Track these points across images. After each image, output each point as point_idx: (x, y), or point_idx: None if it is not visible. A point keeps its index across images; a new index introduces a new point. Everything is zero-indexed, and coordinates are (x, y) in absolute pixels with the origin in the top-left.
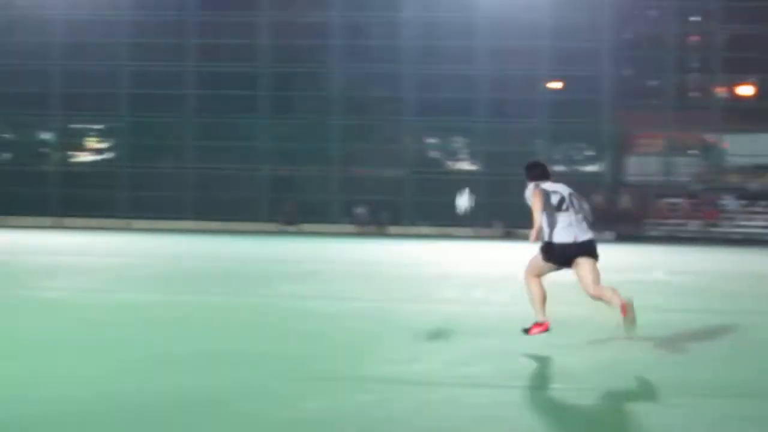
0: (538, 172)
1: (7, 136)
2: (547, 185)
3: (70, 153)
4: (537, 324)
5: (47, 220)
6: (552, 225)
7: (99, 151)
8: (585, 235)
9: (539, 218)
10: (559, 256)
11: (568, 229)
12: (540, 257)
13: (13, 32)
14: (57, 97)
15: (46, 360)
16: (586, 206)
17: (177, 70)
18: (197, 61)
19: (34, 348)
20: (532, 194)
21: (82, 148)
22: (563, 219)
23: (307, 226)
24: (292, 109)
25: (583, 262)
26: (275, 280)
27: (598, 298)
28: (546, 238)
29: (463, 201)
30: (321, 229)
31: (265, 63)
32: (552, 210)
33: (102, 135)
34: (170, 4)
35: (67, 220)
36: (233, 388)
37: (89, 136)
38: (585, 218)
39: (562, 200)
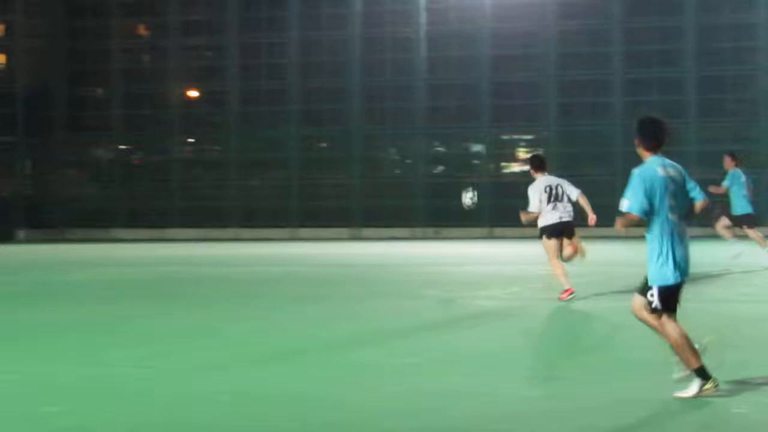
0: (537, 163)
1: (440, 149)
2: (542, 179)
3: (500, 164)
4: (564, 291)
5: (480, 232)
6: (542, 212)
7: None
8: (567, 217)
9: (536, 207)
10: (552, 232)
11: (553, 212)
12: (545, 240)
13: (444, 47)
14: (486, 108)
15: (487, 370)
16: (574, 194)
17: (603, 78)
18: (624, 68)
19: (475, 359)
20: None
21: (511, 159)
22: (549, 206)
23: None
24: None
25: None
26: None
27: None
28: (539, 224)
29: (467, 198)
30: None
31: (691, 66)
32: (545, 199)
33: (530, 145)
34: (596, 12)
35: (497, 230)
36: None
37: (518, 146)
38: (569, 203)
39: (551, 191)
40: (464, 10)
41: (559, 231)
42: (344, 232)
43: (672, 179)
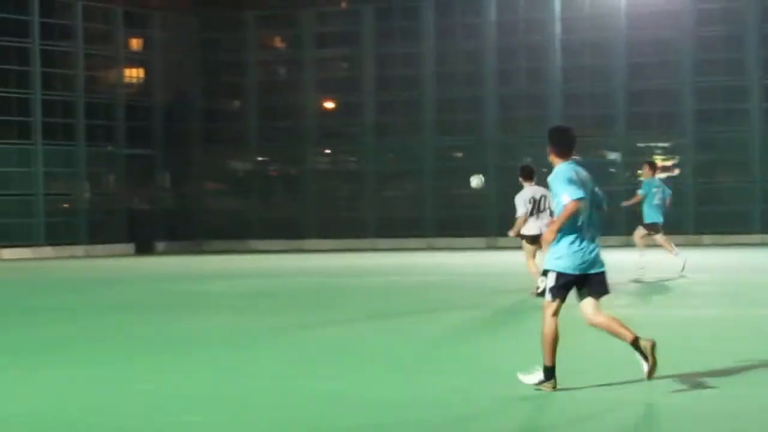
0: (526, 173)
1: (574, 157)
2: (530, 189)
3: (636, 171)
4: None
5: (617, 240)
6: (525, 221)
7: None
8: (546, 229)
9: (523, 213)
10: (530, 240)
11: (534, 223)
12: (524, 243)
13: (578, 56)
14: (621, 116)
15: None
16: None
17: (740, 84)
18: (762, 74)
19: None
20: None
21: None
22: (532, 217)
23: None
24: None
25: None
26: None
27: None
28: (522, 231)
29: (476, 181)
30: None
31: None
32: (529, 209)
33: (666, 152)
34: (731, 18)
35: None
36: None
37: (654, 154)
38: (550, 216)
39: (535, 202)
40: (599, 18)
41: (535, 240)
42: (480, 241)
43: (583, 182)
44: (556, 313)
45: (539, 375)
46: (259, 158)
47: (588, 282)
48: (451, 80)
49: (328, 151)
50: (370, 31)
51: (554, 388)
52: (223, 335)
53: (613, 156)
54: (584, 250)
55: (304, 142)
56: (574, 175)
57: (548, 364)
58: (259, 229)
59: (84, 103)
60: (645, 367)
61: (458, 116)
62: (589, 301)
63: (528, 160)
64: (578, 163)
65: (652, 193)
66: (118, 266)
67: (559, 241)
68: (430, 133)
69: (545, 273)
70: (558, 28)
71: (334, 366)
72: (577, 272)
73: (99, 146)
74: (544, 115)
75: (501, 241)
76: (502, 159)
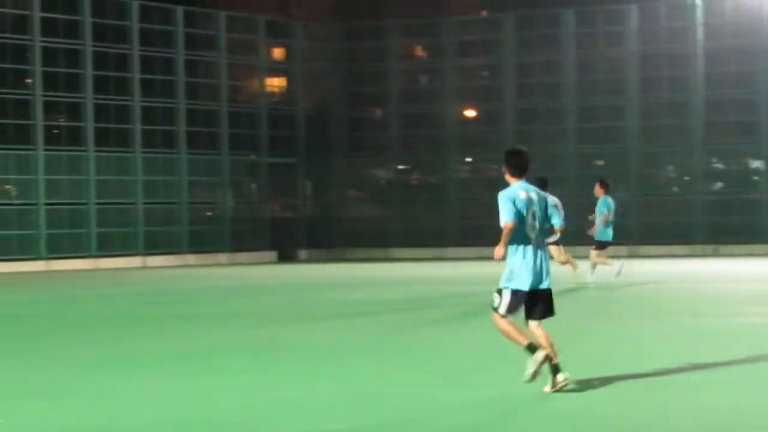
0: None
1: (718, 165)
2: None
3: None
4: None
5: (763, 248)
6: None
7: None
8: None
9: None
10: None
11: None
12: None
13: (721, 62)
14: (766, 123)
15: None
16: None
17: None
18: None
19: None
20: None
21: None
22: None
23: None
24: None
25: None
26: None
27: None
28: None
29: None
30: None
31: None
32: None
33: None
34: None
35: None
36: None
37: None
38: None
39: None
40: (742, 24)
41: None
42: (622, 249)
43: (532, 201)
44: (507, 321)
45: (532, 364)
46: (401, 167)
47: (534, 297)
48: (593, 88)
49: (468, 159)
50: (511, 39)
51: (547, 357)
52: (365, 343)
53: (756, 164)
54: (533, 266)
55: (445, 150)
56: (515, 196)
57: (525, 343)
58: (400, 237)
59: (227, 112)
60: (561, 377)
61: (600, 124)
62: (533, 321)
63: (670, 169)
64: (529, 182)
65: (600, 211)
66: (262, 274)
67: (509, 259)
68: (571, 141)
69: (499, 291)
70: (700, 34)
71: (479, 375)
72: (527, 288)
73: (242, 155)
74: (687, 124)
75: (643, 249)
76: (643, 167)
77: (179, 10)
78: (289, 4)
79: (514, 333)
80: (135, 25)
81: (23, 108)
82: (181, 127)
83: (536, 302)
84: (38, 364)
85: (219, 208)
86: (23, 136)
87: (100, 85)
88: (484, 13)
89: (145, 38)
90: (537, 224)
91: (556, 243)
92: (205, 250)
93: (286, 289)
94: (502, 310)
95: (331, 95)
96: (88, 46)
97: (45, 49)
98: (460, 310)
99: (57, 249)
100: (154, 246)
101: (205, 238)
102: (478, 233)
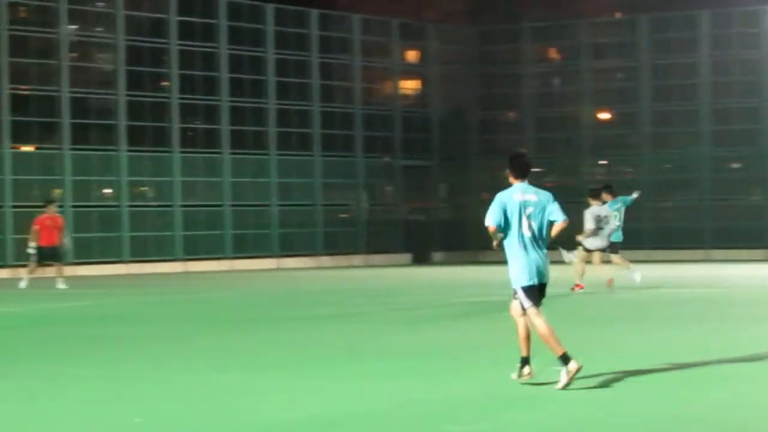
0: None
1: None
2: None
3: None
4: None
5: None
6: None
7: None
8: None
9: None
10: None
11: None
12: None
13: None
14: None
15: None
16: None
17: None
18: None
19: None
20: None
21: None
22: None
23: None
24: None
25: None
26: None
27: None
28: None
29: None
30: None
31: None
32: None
33: None
34: None
35: None
36: None
37: None
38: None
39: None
40: None
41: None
42: (758, 253)
43: (529, 203)
44: (539, 314)
45: (562, 371)
46: (534, 169)
47: (542, 289)
48: (729, 90)
49: (603, 162)
50: (645, 41)
51: (580, 367)
52: (499, 343)
53: None
54: (533, 263)
55: (579, 153)
56: (508, 199)
57: (559, 353)
58: None
59: (361, 114)
60: (527, 369)
61: (735, 126)
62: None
63: None
64: (531, 183)
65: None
66: (396, 276)
67: (510, 260)
68: (707, 143)
69: (515, 293)
70: None
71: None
72: (534, 282)
73: (376, 157)
74: None
75: None
76: None
77: (314, 13)
78: (423, 6)
79: (552, 340)
80: (270, 28)
81: (160, 111)
82: (316, 130)
83: (541, 294)
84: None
85: (354, 210)
86: (160, 138)
87: (236, 87)
88: (618, 15)
89: (280, 41)
90: (535, 224)
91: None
92: (339, 252)
93: (423, 291)
94: (527, 303)
95: (465, 98)
96: (223, 49)
97: (182, 53)
98: (585, 313)
99: (193, 251)
100: (288, 248)
101: (339, 240)
102: None
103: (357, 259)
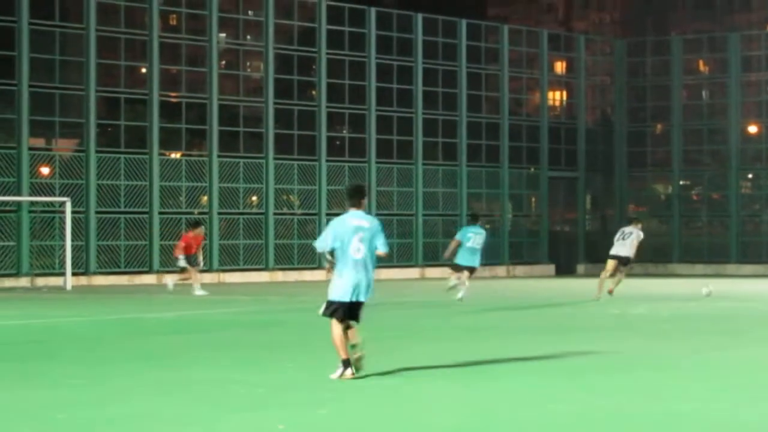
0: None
1: None
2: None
3: None
4: None
5: None
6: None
7: None
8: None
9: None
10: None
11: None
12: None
13: None
14: None
15: None
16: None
17: None
18: None
19: None
20: None
21: None
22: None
23: None
24: None
25: None
26: None
27: None
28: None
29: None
30: None
31: None
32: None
33: None
34: None
35: None
36: None
37: None
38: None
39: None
40: None
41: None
42: None
43: (361, 228)
44: (338, 324)
45: (340, 369)
46: (682, 182)
47: (352, 307)
48: None
49: (750, 175)
50: None
51: (354, 374)
52: (644, 357)
53: None
54: (352, 281)
55: (727, 166)
56: (340, 225)
57: (343, 357)
58: (681, 252)
59: (508, 124)
60: (349, 370)
61: None
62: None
63: None
64: (367, 214)
65: (467, 237)
66: (540, 287)
67: (335, 275)
68: None
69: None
70: None
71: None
72: (345, 299)
73: (522, 168)
74: None
75: None
76: None
77: (462, 23)
78: (573, 17)
79: (338, 342)
80: (419, 37)
81: (308, 119)
82: (463, 140)
83: (352, 310)
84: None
85: (498, 220)
86: (308, 146)
87: (384, 96)
88: None
89: (428, 51)
90: (364, 248)
91: (626, 263)
92: (483, 262)
93: (564, 302)
94: (326, 312)
95: (613, 109)
96: (372, 58)
97: (330, 61)
98: (735, 327)
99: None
100: (432, 257)
101: (484, 250)
102: (759, 250)
103: (500, 270)
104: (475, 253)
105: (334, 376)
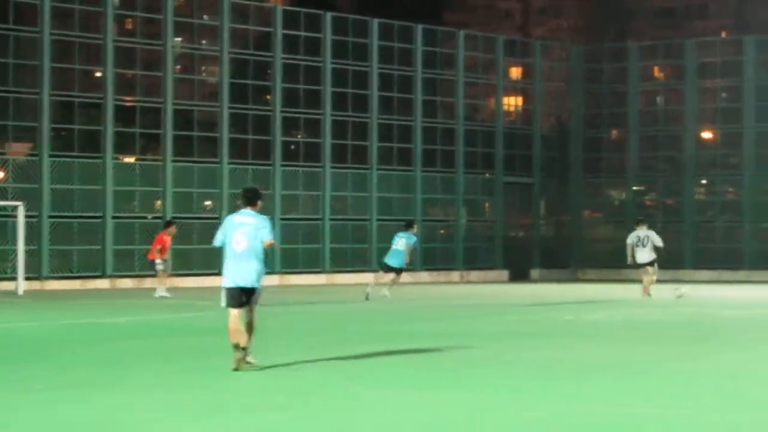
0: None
1: None
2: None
3: None
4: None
5: None
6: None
7: None
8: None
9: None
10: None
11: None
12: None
13: None
14: None
15: None
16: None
17: None
18: None
19: None
20: None
21: None
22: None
23: None
24: None
25: None
26: None
27: None
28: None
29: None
30: None
31: None
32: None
33: None
34: None
35: None
36: None
37: None
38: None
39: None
40: None
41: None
42: None
43: (244, 224)
44: (233, 312)
45: (237, 353)
46: (636, 188)
47: (240, 292)
48: None
49: (704, 181)
50: (751, 61)
51: (242, 359)
52: (602, 363)
53: None
54: (232, 271)
55: (682, 172)
56: (229, 221)
57: (243, 345)
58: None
59: (464, 130)
60: (238, 354)
61: None
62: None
63: None
64: (257, 212)
65: (393, 240)
66: (494, 293)
67: (224, 266)
68: None
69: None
70: None
71: (723, 397)
72: (233, 285)
73: (477, 173)
74: None
75: None
76: None
77: (419, 29)
78: (530, 23)
79: (233, 328)
80: (374, 42)
81: (263, 124)
82: (418, 145)
83: (240, 295)
84: None
85: (453, 226)
86: (262, 151)
87: (339, 102)
88: (724, 34)
89: (384, 56)
90: (245, 240)
91: (651, 264)
92: (438, 267)
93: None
94: (222, 303)
95: (569, 115)
96: (327, 63)
97: (286, 66)
98: (691, 333)
99: (292, 264)
100: None
101: (438, 255)
102: (714, 256)
103: (454, 275)
104: (397, 255)
105: (234, 364)
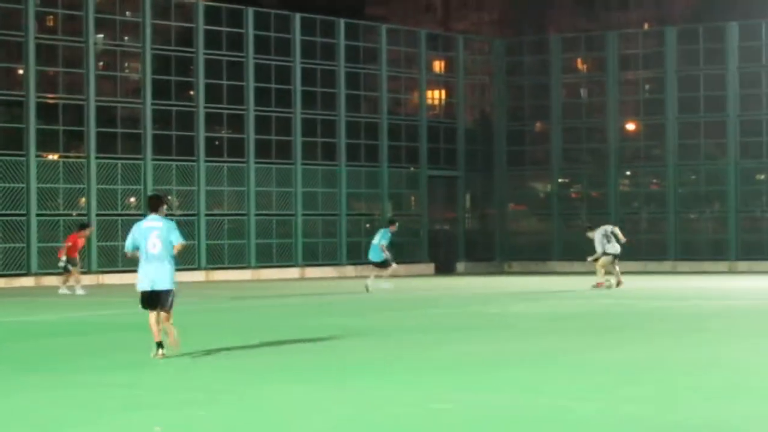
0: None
1: None
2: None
3: None
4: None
5: None
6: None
7: None
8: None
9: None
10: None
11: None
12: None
13: None
14: None
15: None
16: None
17: None
18: None
19: None
20: None
21: None
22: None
23: None
24: None
25: None
26: None
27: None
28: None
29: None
30: None
31: None
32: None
33: None
34: None
35: None
36: None
37: None
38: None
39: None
40: None
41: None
42: None
43: (155, 228)
44: (151, 313)
45: (154, 350)
46: (561, 180)
47: (153, 295)
48: (757, 102)
49: (628, 173)
50: (672, 52)
51: (163, 354)
52: (520, 355)
53: None
54: (149, 274)
55: (606, 164)
56: (138, 227)
57: (156, 339)
58: (561, 250)
59: (387, 124)
60: (160, 350)
61: (764, 138)
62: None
63: None
64: (164, 217)
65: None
66: (419, 287)
67: (138, 269)
68: (733, 155)
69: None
70: None
71: (635, 388)
72: (149, 288)
73: (402, 167)
74: None
75: None
76: None
77: (341, 23)
78: (452, 17)
79: (153, 328)
80: (297, 37)
81: (186, 120)
82: (342, 139)
83: (155, 299)
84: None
85: (378, 220)
86: (186, 147)
87: (262, 97)
88: (646, 26)
89: (306, 51)
90: (158, 244)
91: (615, 257)
92: (363, 261)
93: (444, 303)
94: (142, 306)
95: (492, 108)
96: (250, 58)
97: (208, 62)
98: (618, 324)
99: (218, 260)
100: (312, 257)
101: (363, 249)
102: (638, 247)
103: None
104: (375, 250)
105: (152, 354)
